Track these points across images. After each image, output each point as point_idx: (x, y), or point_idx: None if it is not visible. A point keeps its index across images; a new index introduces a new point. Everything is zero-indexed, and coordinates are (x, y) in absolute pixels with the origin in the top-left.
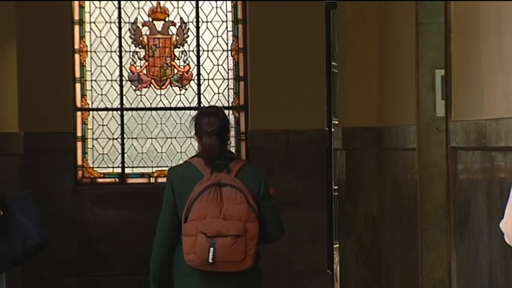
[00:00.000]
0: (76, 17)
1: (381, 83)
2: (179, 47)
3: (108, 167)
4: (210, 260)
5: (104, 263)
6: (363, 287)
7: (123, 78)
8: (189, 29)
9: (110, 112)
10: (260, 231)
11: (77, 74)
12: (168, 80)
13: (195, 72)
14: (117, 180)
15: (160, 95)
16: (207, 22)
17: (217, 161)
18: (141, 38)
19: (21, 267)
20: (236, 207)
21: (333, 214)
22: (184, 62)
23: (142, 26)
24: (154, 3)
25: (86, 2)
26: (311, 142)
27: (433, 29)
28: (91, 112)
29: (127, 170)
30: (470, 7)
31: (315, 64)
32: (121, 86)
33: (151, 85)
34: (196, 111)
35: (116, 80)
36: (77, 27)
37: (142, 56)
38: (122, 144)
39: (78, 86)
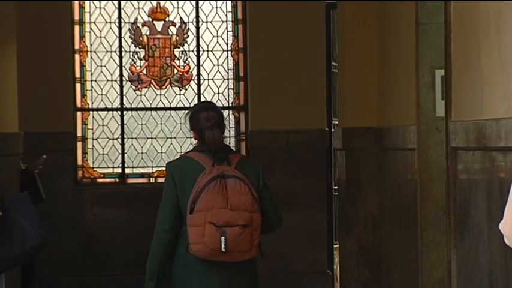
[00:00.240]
0: (76, 17)
1: (381, 83)
2: (179, 47)
3: (108, 167)
4: (223, 249)
5: (104, 263)
6: (363, 287)
7: (123, 78)
8: (189, 29)
9: (110, 112)
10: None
11: (77, 74)
12: (168, 80)
13: (195, 72)
14: (117, 180)
15: (160, 95)
16: (207, 22)
17: (219, 153)
18: (141, 38)
19: (20, 267)
20: (242, 198)
21: (333, 214)
22: (184, 62)
23: (142, 26)
24: (154, 3)
25: (86, 2)
26: (311, 142)
27: (433, 29)
28: (91, 112)
29: (127, 170)
30: (470, 7)
31: (315, 64)
32: (121, 86)
33: (151, 85)
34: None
35: (116, 80)
36: (77, 27)
37: (142, 56)
38: (122, 144)
39: (78, 86)
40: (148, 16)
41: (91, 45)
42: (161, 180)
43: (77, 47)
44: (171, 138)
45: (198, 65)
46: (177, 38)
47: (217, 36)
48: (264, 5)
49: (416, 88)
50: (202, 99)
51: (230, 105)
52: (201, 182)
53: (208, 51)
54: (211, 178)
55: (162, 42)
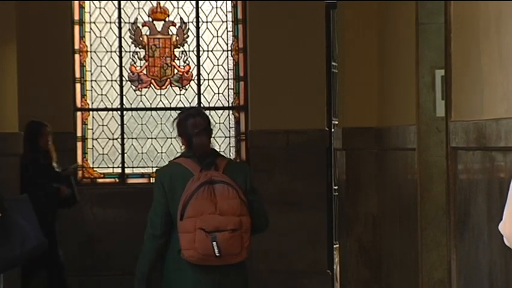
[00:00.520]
0: (76, 17)
1: (381, 83)
2: (179, 47)
3: (108, 167)
4: (217, 254)
5: (104, 263)
6: (363, 287)
7: (123, 78)
8: (189, 29)
9: (110, 112)
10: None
11: (77, 74)
12: (168, 80)
13: (195, 72)
14: (117, 180)
15: (160, 95)
16: (207, 22)
17: (206, 159)
18: (141, 38)
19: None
20: (230, 203)
21: (333, 214)
22: (184, 62)
23: (143, 26)
24: (154, 3)
25: (86, 2)
26: (311, 142)
27: (433, 29)
28: (91, 112)
29: (127, 170)
30: (470, 7)
31: (315, 64)
32: (121, 86)
33: (151, 85)
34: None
35: (116, 80)
36: (77, 27)
37: (142, 56)
38: (122, 144)
39: (78, 86)
40: (148, 16)
41: (91, 45)
42: None
43: (77, 47)
44: (171, 138)
45: (198, 65)
46: (177, 38)
47: (217, 36)
48: (264, 5)
49: (416, 88)
50: (202, 99)
51: (230, 105)
52: (189, 188)
53: (208, 51)
54: (199, 184)
55: (162, 42)
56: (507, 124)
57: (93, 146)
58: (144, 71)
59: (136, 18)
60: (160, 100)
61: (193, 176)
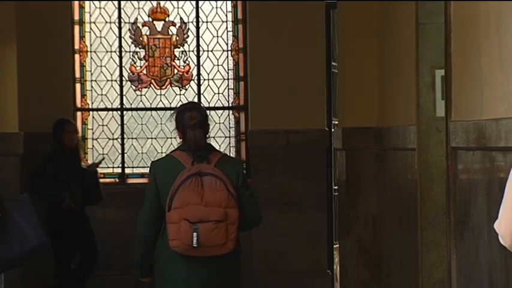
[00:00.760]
0: (76, 17)
1: (381, 83)
2: (179, 47)
3: (108, 167)
4: (195, 245)
5: (104, 263)
6: (363, 287)
7: (123, 78)
8: (189, 29)
9: (110, 112)
10: (240, 217)
11: (77, 74)
12: (168, 80)
13: (195, 73)
14: (117, 180)
15: (160, 95)
16: (207, 22)
17: (198, 152)
18: (141, 38)
19: (20, 267)
20: (217, 195)
21: (333, 214)
22: (184, 62)
23: (142, 26)
24: (154, 3)
25: (86, 2)
26: (311, 142)
27: (433, 29)
28: (91, 112)
29: (127, 170)
30: (470, 7)
31: (315, 64)
32: (121, 86)
33: (151, 85)
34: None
35: (116, 80)
36: (77, 27)
37: (142, 56)
38: (122, 144)
39: (78, 86)
40: (148, 16)
41: (91, 45)
42: None
43: (77, 47)
44: (171, 138)
45: (198, 65)
46: (177, 38)
47: (217, 36)
48: (264, 5)
49: (416, 88)
50: (202, 99)
51: (230, 105)
52: (178, 180)
53: (208, 51)
54: (187, 176)
55: (162, 42)
56: (507, 124)
57: (93, 146)
58: (144, 71)
59: (136, 18)
60: (160, 100)
61: (184, 168)
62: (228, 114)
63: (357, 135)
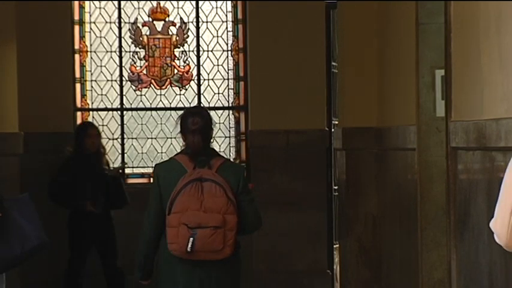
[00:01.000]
0: (76, 17)
1: (381, 83)
2: (179, 47)
3: (108, 167)
4: (189, 249)
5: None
6: (363, 287)
7: (123, 78)
8: (189, 29)
9: (110, 112)
10: (239, 223)
11: (77, 74)
12: (168, 80)
13: (195, 73)
14: None
15: (160, 95)
16: (207, 22)
17: (200, 157)
18: (141, 38)
19: (20, 267)
20: (216, 201)
21: (333, 214)
22: (184, 62)
23: (142, 26)
24: (154, 3)
25: (86, 2)
26: (311, 142)
27: (433, 29)
28: (91, 112)
29: (127, 170)
30: (470, 7)
31: (315, 64)
32: (121, 86)
33: (151, 85)
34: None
35: (116, 80)
36: (77, 27)
37: (142, 56)
38: (122, 144)
39: (78, 86)
40: (148, 16)
41: (91, 45)
42: None
43: (77, 47)
44: (171, 138)
45: (198, 65)
46: (177, 38)
47: (217, 36)
48: (264, 5)
49: (416, 88)
50: (202, 100)
51: (230, 105)
52: (179, 184)
53: (208, 51)
54: (188, 181)
55: (162, 42)
56: (507, 124)
57: None
58: (144, 71)
59: (136, 18)
60: (160, 100)
61: (186, 172)
62: (228, 114)
63: (357, 135)
